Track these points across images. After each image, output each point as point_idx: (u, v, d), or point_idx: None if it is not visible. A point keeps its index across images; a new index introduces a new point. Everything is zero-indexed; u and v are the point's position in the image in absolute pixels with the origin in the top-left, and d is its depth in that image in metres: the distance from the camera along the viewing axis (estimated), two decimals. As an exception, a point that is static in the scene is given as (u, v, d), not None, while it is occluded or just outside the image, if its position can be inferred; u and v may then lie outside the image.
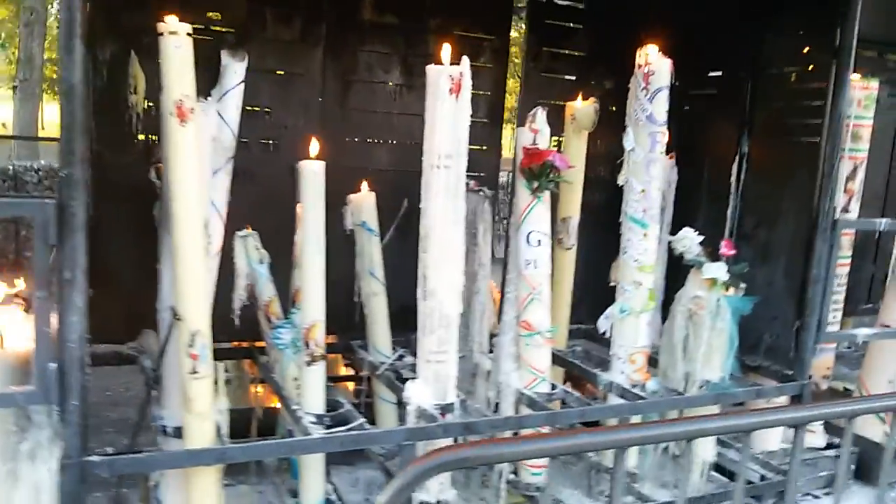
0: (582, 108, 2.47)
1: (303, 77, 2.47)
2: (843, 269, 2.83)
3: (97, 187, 2.31)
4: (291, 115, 2.45)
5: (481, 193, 2.49)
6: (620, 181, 2.36)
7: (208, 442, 1.79)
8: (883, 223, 2.64)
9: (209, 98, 2.18)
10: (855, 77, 2.78)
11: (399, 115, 2.63)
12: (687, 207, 2.99)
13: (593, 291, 2.76)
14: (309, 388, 2.00)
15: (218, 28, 2.34)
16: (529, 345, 2.26)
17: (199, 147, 1.69)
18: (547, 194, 2.20)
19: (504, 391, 2.33)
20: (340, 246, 2.40)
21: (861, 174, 2.79)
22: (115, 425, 2.94)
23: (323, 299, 1.99)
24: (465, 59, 1.99)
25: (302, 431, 1.92)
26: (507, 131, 3.61)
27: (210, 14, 2.32)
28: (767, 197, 2.70)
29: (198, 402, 1.76)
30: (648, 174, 2.31)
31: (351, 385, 3.13)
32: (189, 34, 1.67)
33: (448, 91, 1.96)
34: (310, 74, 2.47)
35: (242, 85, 2.17)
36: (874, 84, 2.75)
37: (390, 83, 2.59)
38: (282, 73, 2.44)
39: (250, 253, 2.05)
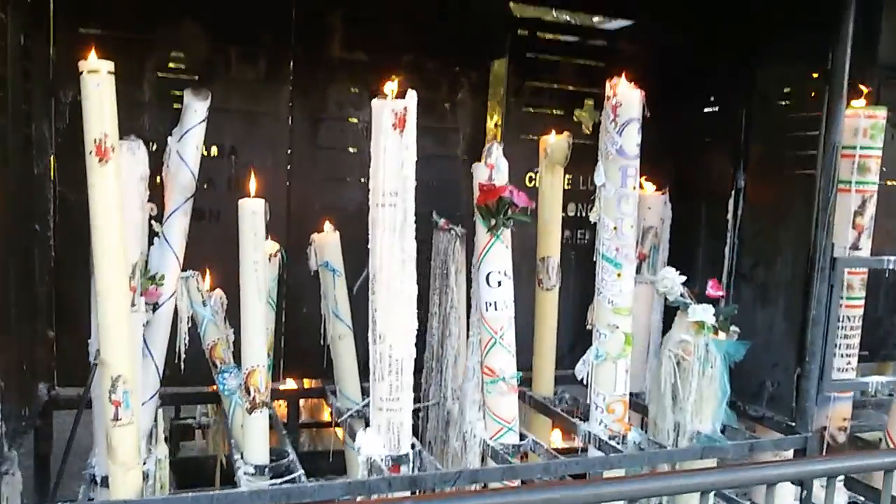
0: (555, 143, 2.37)
1: (270, 116, 2.44)
2: (853, 310, 2.60)
3: (61, 229, 2.33)
4: (259, 154, 2.42)
5: (453, 232, 2.39)
6: (593, 218, 2.24)
7: (133, 493, 1.71)
8: (893, 261, 2.42)
9: (170, 137, 2.19)
10: (860, 105, 2.61)
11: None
12: (686, 246, 2.84)
13: (588, 334, 2.62)
14: (251, 437, 1.92)
15: (179, 67, 2.33)
16: (492, 392, 2.13)
17: (119, 187, 1.65)
18: (507, 233, 2.09)
19: (469, 441, 2.20)
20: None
21: (871, 208, 2.58)
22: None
23: (263, 344, 1.92)
24: (412, 93, 1.92)
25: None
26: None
27: (174, 54, 2.32)
28: (765, 234, 2.53)
29: (121, 451, 1.69)
30: (620, 210, 2.17)
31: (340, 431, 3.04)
32: (110, 72, 1.64)
33: (392, 126, 1.89)
34: (277, 113, 2.45)
35: (204, 124, 2.16)
36: (881, 112, 2.56)
37: (361, 120, 2.54)
38: (248, 112, 2.41)
39: (192, 294, 1.99)
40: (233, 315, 2.20)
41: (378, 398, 1.96)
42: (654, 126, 2.88)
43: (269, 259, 2.20)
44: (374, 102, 1.91)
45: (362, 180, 2.57)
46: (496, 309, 2.10)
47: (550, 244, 2.47)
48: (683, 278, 2.30)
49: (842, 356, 2.63)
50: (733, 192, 2.63)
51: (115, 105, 1.66)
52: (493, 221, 2.05)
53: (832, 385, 2.36)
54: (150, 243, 2.14)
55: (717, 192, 2.70)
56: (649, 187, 2.73)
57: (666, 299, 2.35)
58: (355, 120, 2.55)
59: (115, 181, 1.65)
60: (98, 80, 1.63)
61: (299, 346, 2.54)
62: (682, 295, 2.30)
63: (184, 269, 2.11)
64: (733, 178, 2.64)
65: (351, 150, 2.56)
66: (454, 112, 2.64)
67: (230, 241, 2.35)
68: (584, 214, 2.86)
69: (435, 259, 2.44)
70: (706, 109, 2.81)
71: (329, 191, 2.54)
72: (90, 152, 1.64)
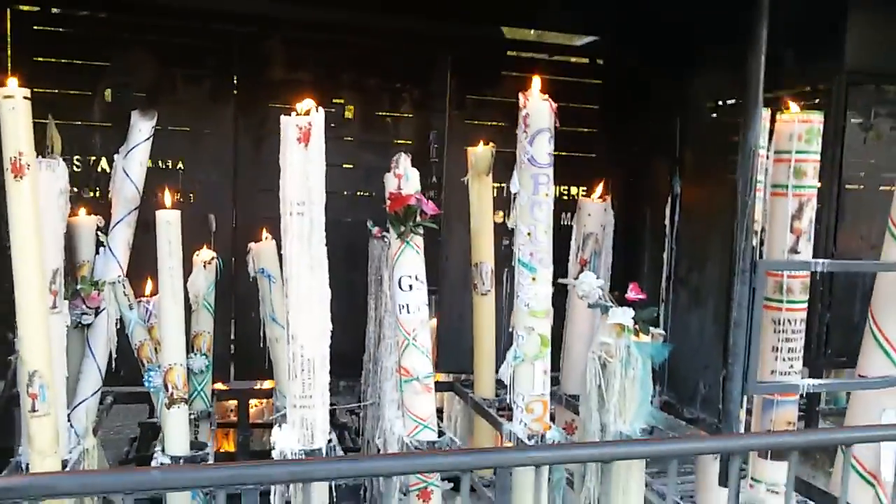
0: (479, 153, 2.46)
1: (215, 133, 2.60)
2: (794, 314, 2.59)
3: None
4: (204, 169, 2.58)
5: (385, 239, 2.50)
6: (510, 225, 2.32)
7: (51, 479, 1.87)
8: (821, 264, 2.42)
9: (117, 155, 2.38)
10: (796, 109, 2.61)
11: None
12: (632, 252, 2.88)
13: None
14: (170, 430, 2.06)
15: (128, 90, 2.52)
16: (408, 391, 2.22)
17: (35, 200, 1.82)
18: (418, 239, 2.19)
19: (388, 439, 2.29)
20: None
21: (809, 212, 2.57)
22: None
23: (181, 344, 2.06)
24: (319, 111, 2.05)
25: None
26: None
27: (123, 78, 2.51)
28: (698, 239, 2.56)
29: (38, 440, 1.85)
30: (533, 217, 2.25)
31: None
32: (26, 97, 1.82)
33: (296, 140, 2.02)
34: (222, 131, 2.61)
35: (149, 142, 2.34)
36: (816, 117, 2.56)
37: (304, 136, 2.67)
38: (195, 130, 2.58)
39: (119, 298, 2.16)
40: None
41: (292, 395, 2.09)
42: (604, 135, 2.96)
43: (205, 266, 2.36)
44: (282, 118, 2.04)
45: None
46: (409, 312, 2.20)
47: (482, 250, 2.56)
48: (601, 282, 2.35)
49: (784, 360, 2.62)
50: (670, 199, 2.66)
51: (30, 126, 1.84)
52: (402, 228, 2.15)
53: (757, 387, 2.36)
54: (97, 252, 2.34)
55: (657, 198, 2.74)
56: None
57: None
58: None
59: (30, 195, 1.83)
60: (13, 104, 1.81)
61: (250, 349, 2.69)
62: (601, 298, 2.35)
63: (129, 277, 2.29)
64: (670, 184, 2.67)
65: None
66: (396, 127, 2.75)
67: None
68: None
69: (370, 266, 2.56)
70: (649, 118, 2.85)
71: (272, 203, 2.68)
72: (7, 169, 1.82)
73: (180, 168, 2.58)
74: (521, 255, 2.28)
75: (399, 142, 2.76)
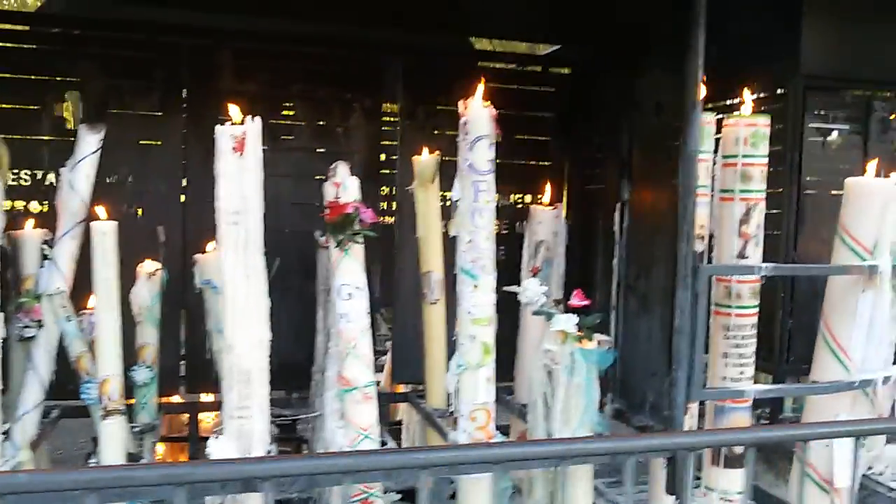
0: (423, 161, 2.46)
1: (164, 146, 2.61)
2: (744, 319, 2.59)
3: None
4: (153, 182, 2.59)
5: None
6: (451, 232, 2.32)
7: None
8: (764, 268, 2.41)
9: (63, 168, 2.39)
10: (745, 113, 2.61)
11: (265, 177, 2.71)
12: (587, 259, 2.88)
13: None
14: (104, 442, 2.06)
15: (76, 103, 2.53)
16: (348, 401, 2.21)
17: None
18: (357, 248, 2.19)
19: (331, 449, 2.29)
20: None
21: (757, 217, 2.57)
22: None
23: (118, 355, 2.06)
24: (256, 120, 2.06)
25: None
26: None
27: (69, 92, 2.52)
28: (644, 245, 2.56)
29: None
30: (474, 223, 2.25)
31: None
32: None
33: (231, 149, 2.02)
34: (171, 143, 2.62)
35: (96, 155, 2.35)
36: (762, 120, 2.56)
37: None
38: (144, 143, 2.59)
39: (56, 311, 2.16)
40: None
41: (229, 406, 2.09)
42: (559, 142, 2.97)
43: (149, 277, 2.36)
44: (216, 128, 2.05)
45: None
46: (348, 321, 2.19)
47: (431, 259, 2.56)
48: (545, 288, 2.35)
49: (734, 366, 2.62)
50: (619, 204, 2.67)
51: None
52: (340, 237, 2.16)
53: (701, 393, 2.36)
54: (42, 265, 2.34)
55: (608, 204, 2.74)
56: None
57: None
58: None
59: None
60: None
61: (202, 362, 2.68)
62: (545, 305, 2.35)
63: (76, 290, 2.30)
64: (619, 189, 2.68)
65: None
66: (347, 137, 2.76)
67: (128, 262, 2.54)
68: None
69: (319, 276, 2.56)
70: (601, 124, 2.86)
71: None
72: (-67, 183, 1.83)
73: (129, 180, 2.58)
74: (463, 262, 2.28)
75: (351, 152, 2.76)
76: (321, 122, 2.70)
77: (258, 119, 2.08)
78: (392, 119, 2.85)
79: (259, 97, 2.68)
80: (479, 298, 2.27)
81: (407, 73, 2.81)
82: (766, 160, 2.60)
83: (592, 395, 2.34)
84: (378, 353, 3.10)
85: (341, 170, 2.17)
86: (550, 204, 2.77)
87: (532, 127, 3.00)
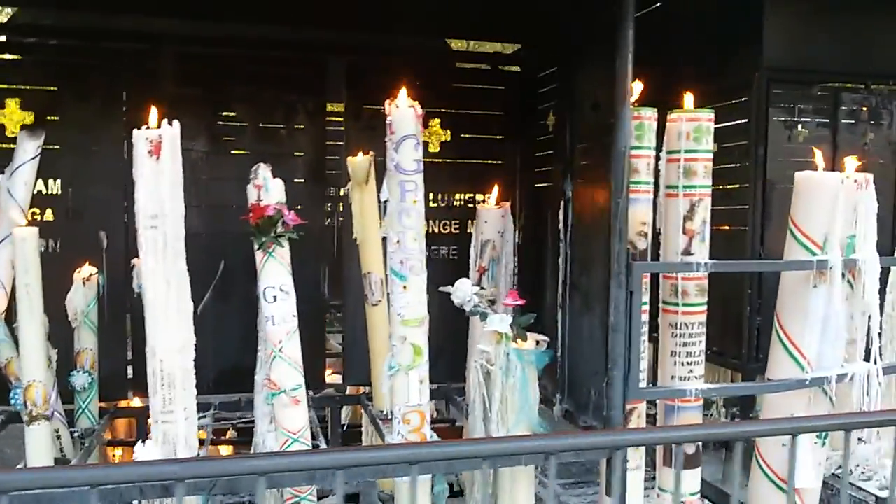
0: (357, 162, 2.45)
1: (105, 151, 2.63)
2: (691, 317, 2.53)
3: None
4: (94, 187, 2.60)
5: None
6: (380, 234, 2.30)
7: None
8: (702, 265, 2.36)
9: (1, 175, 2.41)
10: (689, 107, 2.56)
11: (210, 181, 2.72)
12: (537, 257, 2.85)
13: (434, 348, 2.67)
14: (30, 447, 2.07)
15: (16, 110, 2.55)
16: (275, 404, 2.21)
17: None
18: (282, 250, 2.18)
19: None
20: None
21: (702, 212, 2.52)
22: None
23: (41, 360, 2.07)
24: (175, 124, 2.06)
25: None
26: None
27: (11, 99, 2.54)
28: (586, 242, 2.52)
29: None
30: (402, 224, 2.23)
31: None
32: None
33: (147, 153, 2.03)
34: (112, 148, 2.63)
35: (34, 161, 2.36)
36: (705, 115, 2.51)
37: (195, 150, 2.69)
38: (84, 148, 2.60)
39: (-17, 316, 2.18)
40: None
41: (154, 411, 2.09)
42: (510, 141, 2.95)
43: (85, 283, 2.37)
44: (134, 132, 2.05)
45: (202, 206, 2.73)
46: (274, 323, 2.19)
47: (370, 260, 2.54)
48: (476, 288, 2.32)
49: (682, 364, 2.57)
50: (563, 203, 2.63)
51: None
52: (263, 239, 2.15)
53: (639, 393, 2.31)
54: (-21, 272, 2.35)
55: (556, 202, 2.71)
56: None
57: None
58: (193, 150, 2.70)
59: None
60: None
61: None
62: (477, 305, 2.32)
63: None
64: (563, 188, 2.64)
65: (188, 177, 2.70)
66: (292, 138, 2.76)
67: (68, 265, 2.56)
68: (436, 231, 2.92)
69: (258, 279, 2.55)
70: (547, 122, 2.83)
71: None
72: None
73: (69, 187, 2.60)
74: (392, 263, 2.26)
75: (296, 153, 2.76)
76: (265, 125, 2.69)
77: (176, 123, 2.08)
78: (337, 120, 2.83)
79: (201, 100, 2.68)
80: (408, 299, 2.25)
81: (351, 74, 2.80)
82: (710, 155, 2.55)
83: (529, 394, 2.31)
84: (336, 355, 3.10)
85: (262, 172, 2.17)
86: (498, 203, 2.73)
87: (485, 126, 2.97)
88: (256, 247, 2.18)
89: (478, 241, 2.74)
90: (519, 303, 2.34)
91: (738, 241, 3.22)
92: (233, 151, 2.62)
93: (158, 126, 2.04)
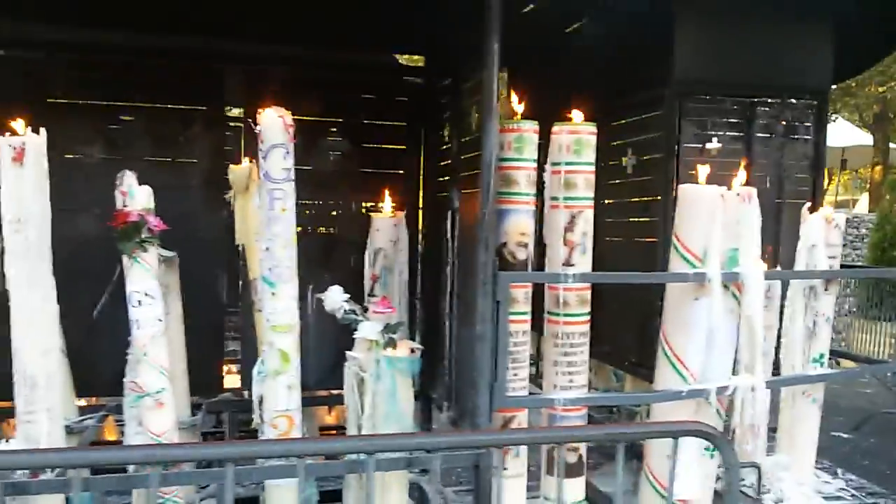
0: (237, 170, 2.49)
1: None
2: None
3: None
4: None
5: (160, 258, 2.54)
6: (236, 241, 2.35)
7: None
8: (571, 276, 2.39)
9: None
10: (576, 119, 2.59)
11: (107, 186, 2.75)
12: (435, 267, 2.88)
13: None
14: None
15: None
16: (140, 407, 2.24)
17: None
18: (148, 255, 2.22)
19: (132, 454, 2.31)
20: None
21: (583, 224, 2.55)
22: None
23: None
24: (41, 132, 2.12)
25: None
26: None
27: None
28: (465, 253, 2.54)
29: None
30: (271, 232, 2.26)
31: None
32: None
33: (11, 160, 2.08)
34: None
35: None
36: (587, 128, 2.54)
37: (93, 157, 2.74)
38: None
39: None
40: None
41: (18, 411, 2.13)
42: (412, 151, 2.98)
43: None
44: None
45: (97, 211, 2.77)
46: (139, 327, 2.22)
47: (255, 267, 2.58)
48: (347, 296, 2.36)
49: (563, 374, 2.59)
50: (451, 213, 2.66)
51: None
52: (126, 245, 2.19)
53: (505, 401, 2.33)
54: None
55: (446, 213, 2.74)
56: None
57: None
58: (92, 156, 2.75)
59: None
60: None
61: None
62: (348, 312, 2.35)
63: None
64: (450, 198, 2.67)
65: (84, 183, 2.75)
66: (190, 145, 2.80)
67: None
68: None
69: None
70: (442, 133, 2.86)
71: (67, 222, 2.73)
72: None
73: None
74: (262, 270, 2.29)
75: (193, 160, 2.80)
76: (162, 132, 2.74)
77: (43, 131, 2.14)
78: (235, 126, 2.88)
79: (97, 108, 2.73)
80: (277, 305, 2.28)
81: (249, 82, 2.84)
82: (591, 167, 2.58)
83: (399, 401, 2.34)
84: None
85: (127, 179, 2.21)
86: (394, 212, 2.77)
87: (387, 136, 3.01)
88: (122, 253, 2.22)
89: (371, 249, 2.77)
90: (389, 310, 2.37)
91: (648, 252, 3.24)
92: (129, 158, 2.65)
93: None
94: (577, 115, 2.56)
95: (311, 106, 2.92)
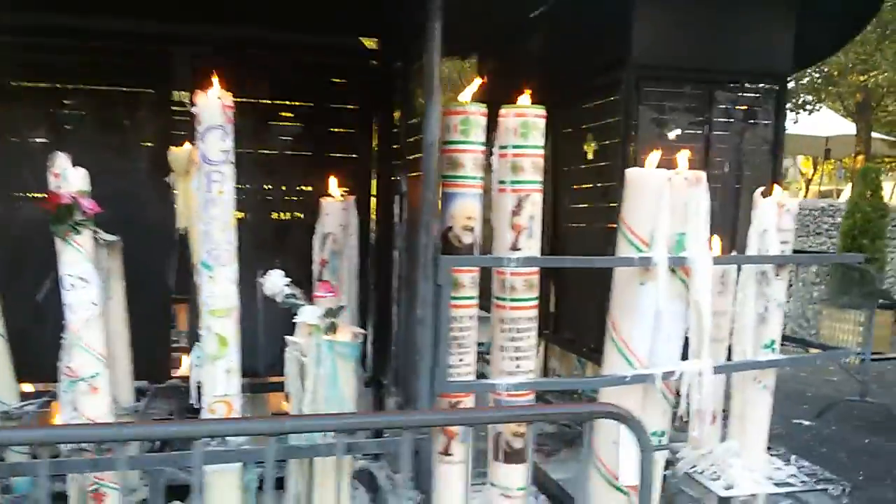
0: (177, 153, 2.46)
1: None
2: (520, 312, 2.54)
3: None
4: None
5: (101, 242, 2.51)
6: (181, 225, 2.32)
7: None
8: (514, 260, 2.37)
9: None
10: (524, 102, 2.56)
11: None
12: (387, 251, 2.86)
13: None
14: None
15: None
16: (73, 392, 2.22)
17: None
18: (82, 238, 2.19)
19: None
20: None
21: (530, 208, 2.53)
22: None
23: None
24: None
25: None
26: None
27: None
28: (411, 236, 2.52)
29: None
30: (208, 214, 2.23)
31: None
32: None
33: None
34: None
35: None
36: (532, 111, 2.51)
37: (38, 141, 2.70)
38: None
39: None
40: None
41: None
42: (366, 135, 2.95)
43: None
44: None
45: (40, 195, 2.73)
46: (72, 312, 2.19)
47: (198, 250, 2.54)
48: (287, 280, 2.33)
49: (510, 359, 2.58)
50: (398, 197, 2.64)
51: None
52: (59, 227, 2.16)
53: (446, 386, 2.32)
54: None
55: (395, 196, 2.72)
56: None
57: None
58: (36, 139, 2.71)
59: None
60: None
61: None
62: (289, 296, 2.33)
63: None
64: (400, 182, 2.65)
65: (29, 167, 2.72)
66: (137, 129, 2.77)
67: None
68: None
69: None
70: (393, 116, 2.84)
71: (10, 206, 2.71)
72: None
73: None
74: (200, 253, 2.27)
75: (141, 144, 2.77)
76: (108, 115, 2.70)
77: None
78: (183, 110, 2.84)
79: (42, 91, 2.69)
80: (214, 289, 2.25)
81: (198, 64, 2.80)
82: (539, 151, 2.55)
83: (339, 385, 2.32)
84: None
85: (60, 161, 2.17)
86: (347, 196, 2.73)
87: (342, 120, 2.98)
88: (56, 235, 2.19)
89: (319, 233, 2.74)
90: (330, 294, 2.35)
91: (607, 239, 3.22)
92: (75, 142, 2.61)
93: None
94: (524, 98, 2.54)
95: (264, 89, 2.90)
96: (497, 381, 2.40)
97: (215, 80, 2.25)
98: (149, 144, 2.77)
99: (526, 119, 2.51)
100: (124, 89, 2.76)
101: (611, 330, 2.63)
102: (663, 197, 2.51)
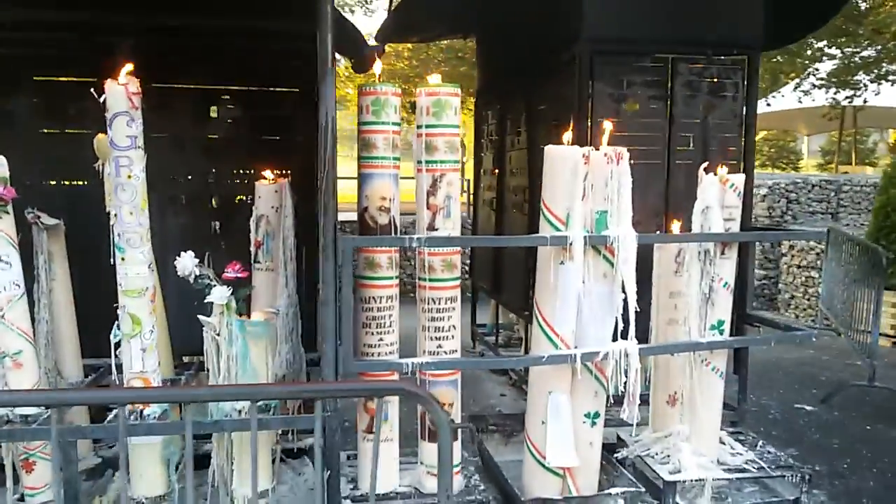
0: (101, 139, 2.55)
1: None
2: (439, 293, 2.54)
3: None
4: None
5: (41, 226, 2.64)
6: (109, 209, 2.40)
7: None
8: (416, 240, 2.36)
9: None
10: (435, 82, 2.54)
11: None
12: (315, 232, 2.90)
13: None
14: None
15: None
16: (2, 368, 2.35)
17: None
18: (3, 223, 2.31)
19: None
20: None
21: (446, 188, 2.52)
22: None
23: None
24: None
25: None
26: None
27: None
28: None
29: None
30: (118, 199, 2.32)
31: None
32: None
33: None
34: None
35: None
36: (447, 89, 2.49)
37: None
38: None
39: None
40: None
41: None
42: (306, 117, 2.99)
43: None
44: None
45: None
46: (4, 290, 2.32)
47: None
48: (197, 261, 2.39)
49: (431, 339, 2.58)
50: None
51: None
52: (-22, 211, 2.28)
53: (352, 366, 2.34)
54: None
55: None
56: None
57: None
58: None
59: None
60: None
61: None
62: (199, 277, 2.39)
63: None
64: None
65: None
66: (81, 117, 2.88)
67: None
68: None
69: (34, 252, 2.70)
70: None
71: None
72: None
73: None
74: (113, 236, 2.36)
75: (86, 131, 2.88)
76: (53, 104, 2.82)
77: None
78: (127, 99, 2.93)
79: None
80: (126, 270, 2.34)
81: (140, 53, 2.89)
82: (454, 130, 2.53)
83: (249, 364, 2.38)
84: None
85: (-22, 149, 2.30)
86: (279, 179, 2.78)
87: (283, 102, 3.03)
88: (-25, 219, 2.32)
89: (254, 216, 2.81)
90: (239, 275, 2.40)
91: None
92: (24, 130, 2.75)
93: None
94: (434, 77, 2.52)
95: (206, 74, 2.97)
96: (405, 360, 2.39)
97: (127, 67, 2.32)
98: (94, 132, 2.88)
99: (438, 98, 2.49)
100: (70, 79, 2.88)
101: (535, 310, 2.59)
102: (578, 174, 2.45)
